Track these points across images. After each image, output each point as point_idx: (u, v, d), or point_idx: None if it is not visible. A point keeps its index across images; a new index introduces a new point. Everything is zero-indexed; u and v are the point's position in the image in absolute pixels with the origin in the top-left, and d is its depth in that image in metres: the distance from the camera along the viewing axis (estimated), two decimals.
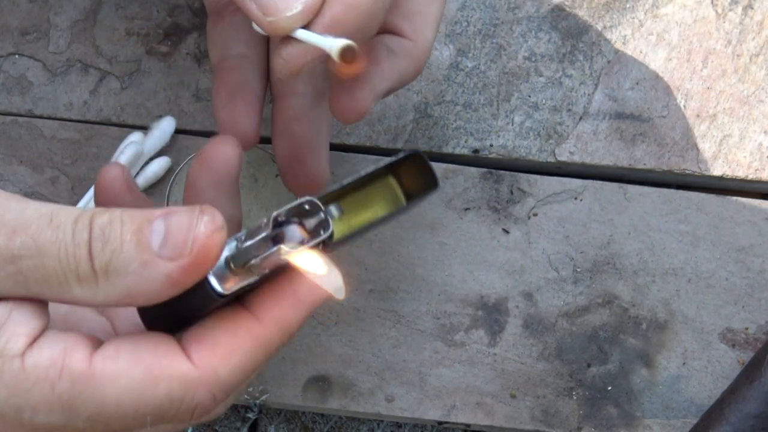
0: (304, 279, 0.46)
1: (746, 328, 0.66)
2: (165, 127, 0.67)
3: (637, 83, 0.69)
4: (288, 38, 0.52)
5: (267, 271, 0.47)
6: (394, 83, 0.58)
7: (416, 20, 0.57)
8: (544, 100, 0.69)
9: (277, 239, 0.46)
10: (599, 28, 0.69)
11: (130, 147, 0.66)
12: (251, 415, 0.67)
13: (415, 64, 0.58)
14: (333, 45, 0.51)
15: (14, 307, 0.45)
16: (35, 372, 0.44)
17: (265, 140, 0.68)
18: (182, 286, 0.45)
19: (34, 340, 0.45)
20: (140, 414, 0.45)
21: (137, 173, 0.67)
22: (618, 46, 0.69)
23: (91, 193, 0.66)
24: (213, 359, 0.46)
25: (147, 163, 0.67)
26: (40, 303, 0.46)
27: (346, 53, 0.51)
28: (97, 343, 0.46)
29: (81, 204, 0.66)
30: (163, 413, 0.45)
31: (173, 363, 0.45)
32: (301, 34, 0.52)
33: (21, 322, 0.45)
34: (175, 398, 0.45)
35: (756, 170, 0.68)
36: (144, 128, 0.67)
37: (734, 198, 0.68)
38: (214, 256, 0.45)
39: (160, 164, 0.67)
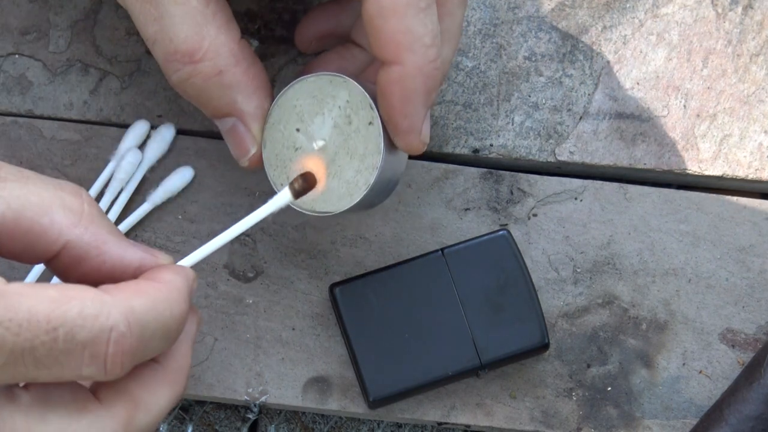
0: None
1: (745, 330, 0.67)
2: (165, 135, 0.67)
3: (637, 83, 0.69)
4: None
5: None
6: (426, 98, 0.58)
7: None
8: (544, 100, 0.69)
9: None
10: (599, 28, 0.69)
11: (130, 155, 0.66)
12: (251, 416, 0.67)
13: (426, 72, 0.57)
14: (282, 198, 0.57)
15: None
16: None
17: None
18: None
19: None
20: (52, 324, 0.45)
21: (140, 179, 0.67)
22: (618, 46, 0.69)
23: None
24: (126, 296, 0.47)
25: (167, 174, 0.67)
26: None
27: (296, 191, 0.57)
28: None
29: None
30: (76, 330, 0.46)
31: (85, 291, 0.46)
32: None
33: None
34: (88, 315, 0.46)
35: (756, 170, 0.68)
36: None
37: (734, 198, 0.68)
38: None
39: (183, 177, 0.67)
